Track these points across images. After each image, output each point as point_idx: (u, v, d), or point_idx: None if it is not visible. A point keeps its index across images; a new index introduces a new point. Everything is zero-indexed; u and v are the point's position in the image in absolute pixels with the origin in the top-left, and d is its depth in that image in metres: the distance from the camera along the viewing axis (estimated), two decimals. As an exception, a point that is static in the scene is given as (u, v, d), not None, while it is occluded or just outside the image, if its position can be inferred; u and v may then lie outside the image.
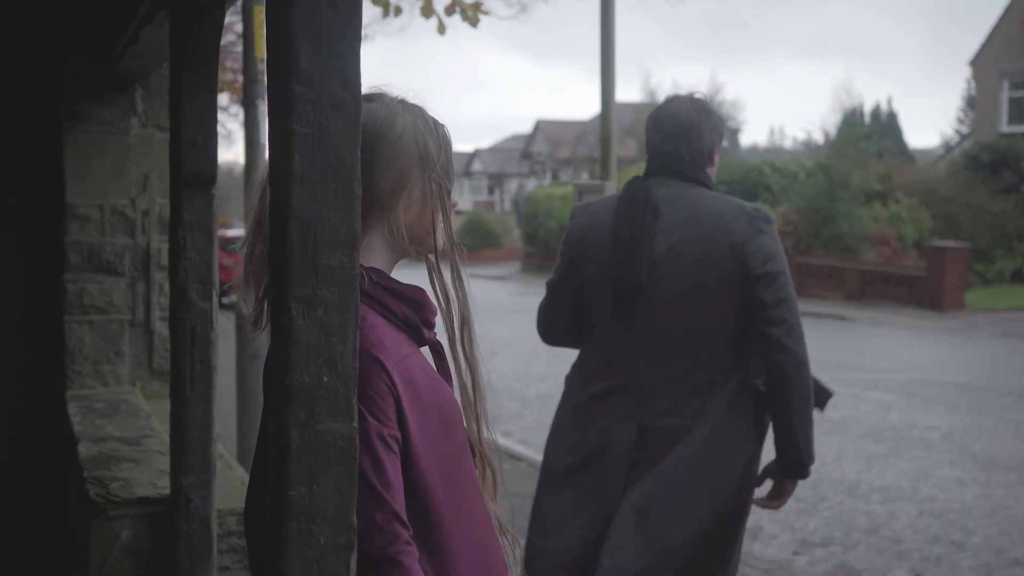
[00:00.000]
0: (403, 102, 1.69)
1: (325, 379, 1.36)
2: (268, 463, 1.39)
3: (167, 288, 3.92)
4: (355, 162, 1.36)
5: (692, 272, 3.04)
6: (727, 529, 3.08)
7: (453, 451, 1.64)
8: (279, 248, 1.36)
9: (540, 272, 31.53)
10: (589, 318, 3.22)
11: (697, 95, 3.23)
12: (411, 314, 1.64)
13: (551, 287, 3.35)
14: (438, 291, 1.71)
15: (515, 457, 8.03)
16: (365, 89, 1.65)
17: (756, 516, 6.68)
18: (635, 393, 3.08)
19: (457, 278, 1.70)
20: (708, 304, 3.04)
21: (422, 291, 1.67)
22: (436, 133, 1.69)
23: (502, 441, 8.36)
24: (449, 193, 1.69)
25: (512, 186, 52.79)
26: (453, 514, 1.61)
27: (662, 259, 3.06)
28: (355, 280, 1.36)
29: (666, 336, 3.07)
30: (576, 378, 3.23)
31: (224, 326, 2.67)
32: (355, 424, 1.38)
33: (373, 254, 1.66)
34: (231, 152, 41.71)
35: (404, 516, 1.52)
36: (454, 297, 1.70)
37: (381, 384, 1.53)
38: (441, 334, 1.72)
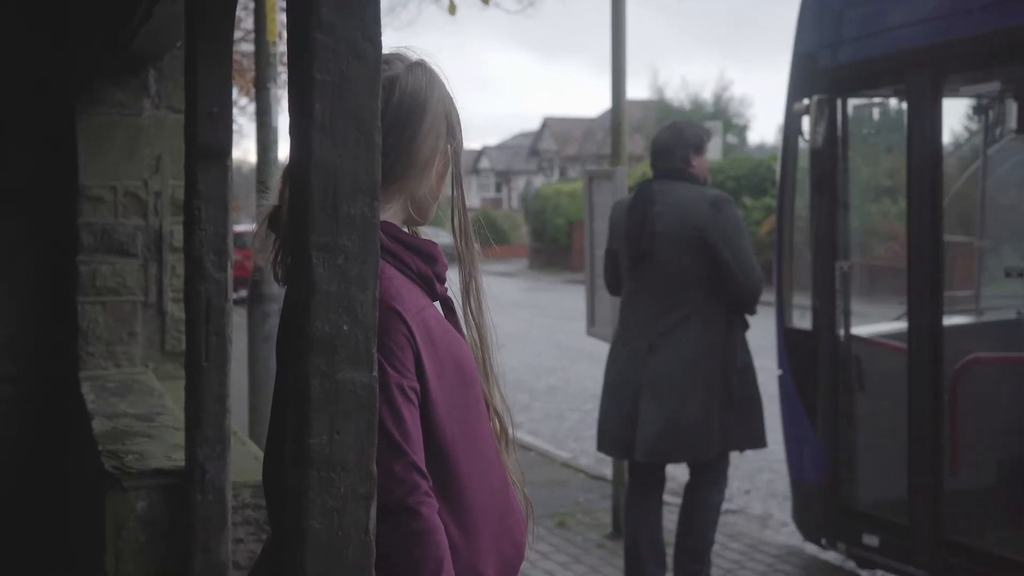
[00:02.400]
0: (432, 68, 1.73)
1: (345, 328, 1.36)
2: (288, 412, 1.39)
3: (180, 270, 3.94)
4: (375, 111, 1.36)
5: (674, 242, 4.41)
6: (739, 403, 4.45)
7: (470, 403, 1.65)
8: (299, 196, 1.36)
9: (548, 268, 31.51)
10: (621, 274, 4.70)
11: (677, 123, 4.85)
12: (425, 268, 1.66)
13: (605, 255, 4.86)
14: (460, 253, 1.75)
15: (524, 447, 8.04)
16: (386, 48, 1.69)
17: (766, 504, 6.68)
18: (645, 323, 4.51)
19: (465, 240, 1.73)
20: (685, 264, 4.41)
21: (435, 245, 1.70)
22: (454, 100, 1.76)
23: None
24: (461, 161, 1.75)
25: (520, 183, 52.81)
26: (471, 465, 1.62)
27: (657, 234, 4.45)
28: (376, 229, 1.37)
29: (659, 285, 4.49)
30: (621, 311, 4.73)
31: (235, 321, 2.69)
32: (375, 373, 1.38)
33: (393, 211, 1.68)
34: (239, 150, 41.68)
35: (423, 467, 1.53)
36: (464, 257, 1.73)
37: (400, 335, 1.54)
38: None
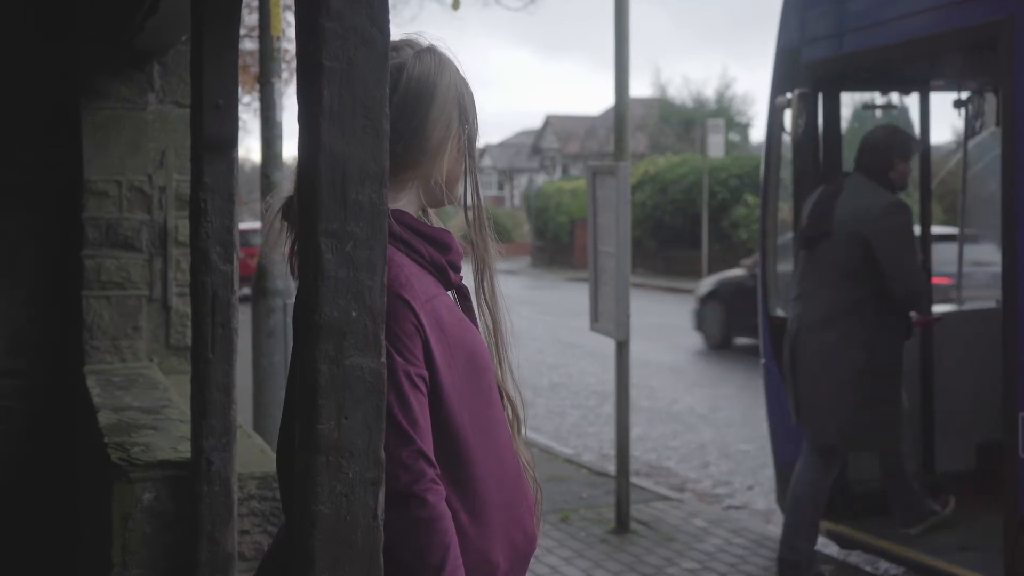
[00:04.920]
0: (443, 52, 1.73)
1: (354, 314, 1.37)
2: (297, 397, 1.40)
3: (184, 265, 3.95)
4: (383, 97, 1.37)
5: (842, 235, 4.65)
6: (876, 390, 4.67)
7: (482, 391, 1.65)
8: (308, 183, 1.37)
9: (550, 266, 31.50)
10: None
11: (891, 126, 4.99)
12: (438, 256, 1.66)
13: (793, 235, 5.28)
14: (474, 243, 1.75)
15: (527, 443, 8.04)
16: (395, 36, 1.69)
17: (769, 500, 6.69)
18: (808, 303, 4.83)
19: (479, 228, 1.73)
20: (844, 258, 4.66)
21: (449, 233, 1.70)
22: (467, 84, 1.76)
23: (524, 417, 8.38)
24: (476, 145, 1.74)
25: (522, 181, 52.76)
26: (483, 453, 1.62)
27: (832, 224, 4.70)
28: (384, 216, 1.37)
29: (824, 272, 4.77)
30: (796, 287, 4.99)
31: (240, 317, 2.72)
32: (383, 360, 1.39)
33: (407, 198, 1.68)
34: (242, 147, 41.61)
35: (431, 455, 1.53)
36: (477, 244, 1.73)
37: (408, 324, 1.55)
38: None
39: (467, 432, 1.61)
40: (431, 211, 1.77)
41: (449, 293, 1.70)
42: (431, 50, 1.71)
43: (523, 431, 1.77)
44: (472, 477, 1.61)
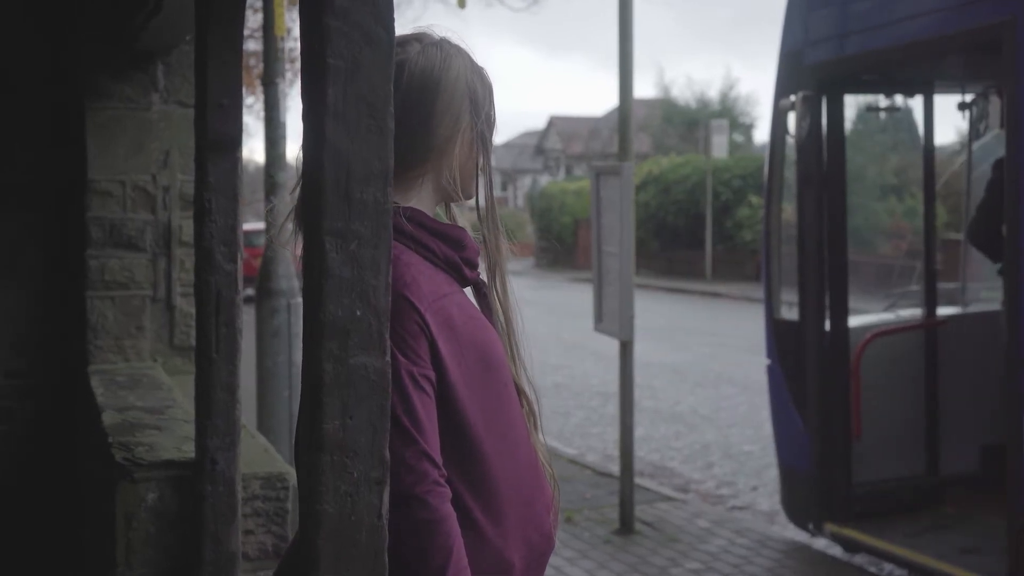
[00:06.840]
0: (456, 45, 1.69)
1: (358, 313, 1.37)
2: (302, 396, 1.40)
3: (188, 264, 3.94)
4: (388, 96, 1.36)
5: None
6: None
7: (496, 389, 1.63)
8: (312, 182, 1.37)
9: (554, 267, 31.50)
10: None
11: None
12: (452, 253, 1.64)
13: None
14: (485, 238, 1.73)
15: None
16: (406, 31, 1.67)
17: (773, 501, 6.68)
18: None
19: (492, 225, 1.71)
20: None
21: (463, 230, 1.67)
22: (482, 77, 1.71)
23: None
24: (491, 140, 1.71)
25: (525, 182, 52.77)
26: (497, 450, 1.60)
27: None
28: (388, 215, 1.37)
29: None
30: None
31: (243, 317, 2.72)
32: (387, 359, 1.38)
33: (419, 196, 1.66)
34: (245, 148, 41.63)
35: (436, 455, 1.52)
36: (489, 241, 1.71)
37: (412, 324, 1.54)
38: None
39: (480, 430, 1.59)
40: (453, 206, 1.74)
41: (467, 290, 1.68)
42: (439, 44, 1.67)
43: (539, 427, 1.75)
44: (486, 475, 1.59)
